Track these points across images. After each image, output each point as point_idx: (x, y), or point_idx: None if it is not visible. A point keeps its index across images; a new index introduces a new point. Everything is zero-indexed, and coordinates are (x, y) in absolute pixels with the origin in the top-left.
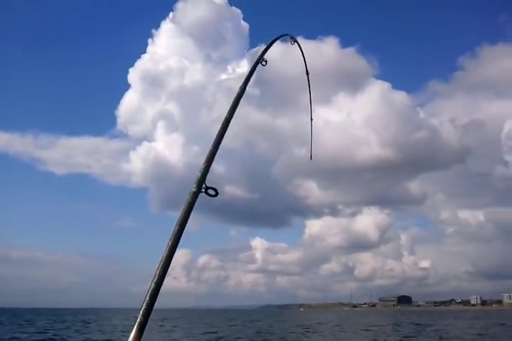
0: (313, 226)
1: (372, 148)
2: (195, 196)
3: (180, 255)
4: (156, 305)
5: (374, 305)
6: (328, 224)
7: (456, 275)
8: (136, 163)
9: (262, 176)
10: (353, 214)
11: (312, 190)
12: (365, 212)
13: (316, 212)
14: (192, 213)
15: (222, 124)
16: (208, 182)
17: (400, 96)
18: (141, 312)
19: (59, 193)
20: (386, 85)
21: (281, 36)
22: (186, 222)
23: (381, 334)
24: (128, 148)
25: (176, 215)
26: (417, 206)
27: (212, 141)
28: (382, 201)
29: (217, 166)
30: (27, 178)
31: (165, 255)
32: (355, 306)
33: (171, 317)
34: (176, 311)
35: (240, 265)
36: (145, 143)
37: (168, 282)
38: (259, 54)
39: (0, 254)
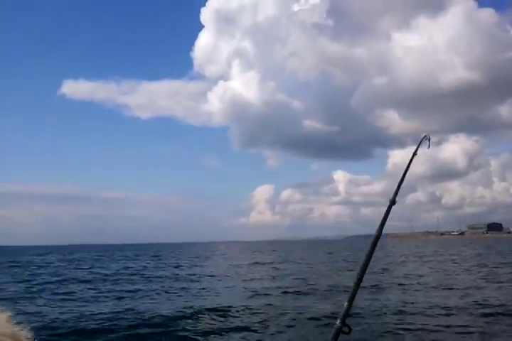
0: (397, 156)
1: (456, 71)
2: (337, 334)
3: (264, 190)
4: (243, 238)
5: (462, 233)
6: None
7: None
8: (215, 103)
9: (341, 108)
10: (439, 143)
11: (394, 120)
12: (451, 139)
13: (399, 142)
14: (271, 149)
15: (370, 247)
16: (283, 118)
17: (487, 15)
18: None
19: (147, 136)
20: (471, 3)
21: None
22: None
23: None
24: (206, 88)
25: (256, 152)
26: (509, 131)
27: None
28: (469, 127)
29: (293, 101)
30: (114, 124)
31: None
32: (442, 234)
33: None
34: (266, 243)
35: (323, 197)
36: (221, 83)
37: (253, 217)
38: None
39: (94, 196)
